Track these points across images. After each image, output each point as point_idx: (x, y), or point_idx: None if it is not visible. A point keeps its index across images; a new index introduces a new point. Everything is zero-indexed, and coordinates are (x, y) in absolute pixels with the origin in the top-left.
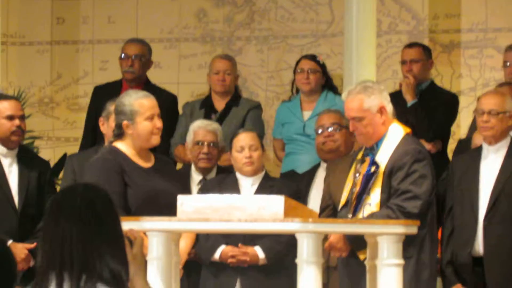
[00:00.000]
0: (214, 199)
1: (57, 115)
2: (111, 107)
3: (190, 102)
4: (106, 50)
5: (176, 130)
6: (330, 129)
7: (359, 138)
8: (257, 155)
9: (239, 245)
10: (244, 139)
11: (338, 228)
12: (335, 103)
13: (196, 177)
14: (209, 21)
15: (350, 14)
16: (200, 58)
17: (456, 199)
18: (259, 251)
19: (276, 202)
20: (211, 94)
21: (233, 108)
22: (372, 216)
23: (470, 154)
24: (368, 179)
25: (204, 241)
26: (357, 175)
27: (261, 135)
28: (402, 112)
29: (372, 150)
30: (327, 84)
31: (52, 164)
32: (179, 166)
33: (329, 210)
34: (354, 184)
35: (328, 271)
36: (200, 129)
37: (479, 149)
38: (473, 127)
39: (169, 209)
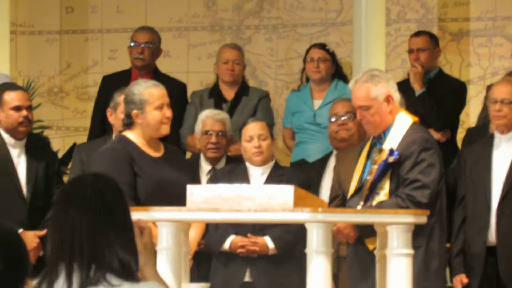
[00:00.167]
0: (224, 189)
1: (67, 104)
2: (118, 97)
3: (197, 91)
4: (115, 39)
5: (185, 120)
6: (343, 118)
7: (366, 127)
8: (266, 144)
9: (249, 235)
10: (253, 128)
11: (348, 217)
12: (345, 92)
13: (205, 167)
14: (218, 10)
15: (359, 2)
16: (209, 47)
17: (468, 188)
18: (268, 241)
19: (286, 191)
20: (219, 83)
21: (243, 97)
22: (381, 204)
23: (481, 143)
24: (386, 168)
25: (214, 231)
26: (374, 165)
27: (271, 125)
28: (410, 102)
29: (379, 139)
30: (337, 73)
31: (61, 154)
32: (188, 155)
33: (339, 199)
34: (369, 173)
35: (338, 261)
36: (208, 118)
37: (491, 138)
38: (482, 116)
39: (179, 199)
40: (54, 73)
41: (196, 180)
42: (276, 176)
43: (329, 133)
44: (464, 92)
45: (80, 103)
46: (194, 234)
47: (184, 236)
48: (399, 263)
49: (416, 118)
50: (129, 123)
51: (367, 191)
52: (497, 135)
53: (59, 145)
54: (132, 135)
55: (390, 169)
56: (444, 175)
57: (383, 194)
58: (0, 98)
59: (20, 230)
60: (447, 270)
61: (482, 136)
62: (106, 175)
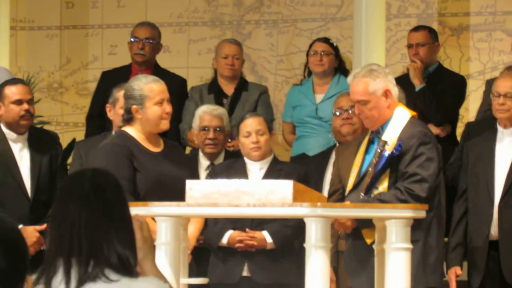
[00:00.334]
0: (223, 184)
1: (66, 100)
2: (117, 93)
3: (195, 87)
4: (115, 34)
5: (185, 116)
6: (349, 112)
7: (364, 121)
8: (264, 139)
9: (247, 229)
10: (250, 124)
11: (347, 212)
12: (348, 86)
13: (204, 162)
14: (218, 5)
15: None
16: (209, 42)
17: (471, 182)
18: (266, 236)
19: (285, 186)
20: (218, 78)
21: (243, 92)
22: (380, 195)
23: (484, 137)
24: (390, 161)
25: (212, 227)
26: (374, 159)
27: (271, 120)
28: (410, 97)
29: (377, 133)
30: (340, 67)
31: None
32: (187, 151)
33: (338, 194)
34: (370, 165)
35: (337, 255)
36: (205, 114)
37: (493, 132)
38: (481, 110)
39: (178, 194)
40: (54, 69)
41: (196, 175)
42: (275, 171)
43: (333, 127)
44: (464, 86)
45: (80, 98)
46: (193, 229)
47: (183, 231)
48: (397, 258)
49: (414, 113)
50: (129, 118)
51: (369, 183)
52: (500, 129)
53: None
54: (131, 131)
55: (391, 163)
56: (442, 169)
57: (382, 188)
58: (0, 92)
59: (20, 226)
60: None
61: (481, 131)
62: (106, 170)
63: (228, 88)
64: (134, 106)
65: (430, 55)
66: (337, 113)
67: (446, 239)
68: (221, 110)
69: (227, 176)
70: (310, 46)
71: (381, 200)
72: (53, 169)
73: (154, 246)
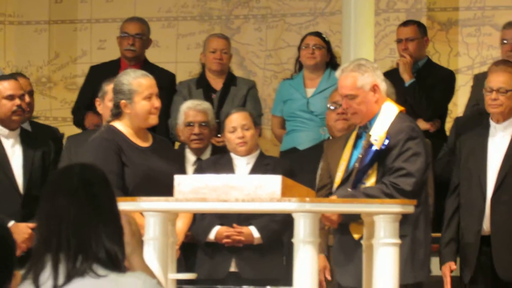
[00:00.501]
0: (211, 179)
1: (55, 94)
2: (106, 87)
3: (183, 81)
4: (104, 29)
5: (174, 111)
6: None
7: (352, 116)
8: (250, 134)
9: (234, 225)
10: (236, 119)
11: (335, 207)
12: None
13: (191, 158)
14: (207, 0)
15: None
16: (198, 37)
17: (463, 177)
18: (254, 231)
19: (274, 181)
20: (206, 73)
21: (231, 87)
22: (366, 189)
23: (477, 132)
24: (376, 155)
25: (199, 222)
26: (360, 154)
27: (259, 115)
28: (399, 92)
29: (365, 128)
30: (331, 62)
31: None
32: (176, 146)
33: (327, 189)
34: (357, 160)
35: (328, 250)
36: (190, 110)
37: (486, 127)
38: (470, 105)
39: (167, 189)
40: (43, 63)
41: (183, 170)
42: (261, 165)
43: (327, 121)
44: (453, 81)
45: (68, 93)
46: (182, 225)
47: (171, 226)
48: (386, 253)
49: (402, 108)
50: (117, 113)
51: (354, 177)
52: (493, 124)
53: None
54: (120, 125)
55: (378, 158)
56: (430, 165)
57: (369, 183)
58: None
59: (12, 222)
60: (437, 259)
61: (470, 126)
62: (94, 165)
63: (216, 83)
64: (123, 101)
65: (419, 50)
66: (332, 108)
67: (433, 234)
68: (206, 105)
69: (214, 172)
70: (302, 40)
71: (367, 194)
72: (46, 164)
73: (142, 241)
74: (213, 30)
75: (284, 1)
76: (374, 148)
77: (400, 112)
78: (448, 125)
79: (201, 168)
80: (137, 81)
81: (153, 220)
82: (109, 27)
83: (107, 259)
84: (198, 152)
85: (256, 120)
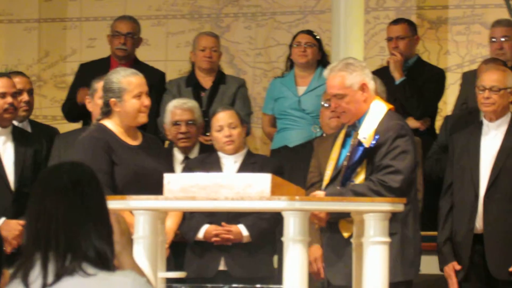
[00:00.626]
0: (201, 177)
1: (44, 93)
2: (96, 84)
3: (173, 80)
4: (94, 27)
5: (163, 109)
6: None
7: (341, 116)
8: (237, 132)
9: (223, 223)
10: (223, 118)
11: (325, 206)
12: None
13: (179, 156)
14: None
15: None
16: (188, 35)
17: (456, 175)
18: (242, 229)
19: (263, 180)
20: (195, 71)
21: (220, 85)
22: (353, 186)
23: (470, 130)
24: (364, 154)
25: (188, 221)
26: (348, 152)
27: (249, 113)
28: (390, 90)
29: (354, 127)
30: (323, 60)
31: None
32: (166, 144)
33: (317, 187)
34: (345, 159)
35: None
36: (176, 108)
37: (479, 125)
38: (459, 104)
39: (156, 187)
40: (32, 62)
41: (173, 169)
42: (249, 164)
43: (321, 118)
44: (443, 80)
45: (58, 91)
46: (171, 223)
47: (161, 225)
48: (376, 251)
49: (391, 106)
50: (107, 111)
51: (343, 176)
52: (486, 123)
53: None
54: (110, 124)
55: (367, 156)
56: (419, 163)
57: (358, 181)
58: None
59: (3, 219)
60: (427, 258)
61: (460, 124)
62: (83, 164)
63: (206, 81)
64: (113, 99)
65: (409, 48)
66: (326, 105)
67: (423, 233)
68: (192, 104)
69: (201, 170)
70: (294, 38)
71: (354, 191)
72: (38, 161)
73: (132, 240)
74: (203, 28)
75: (274, 0)
76: (363, 146)
77: (389, 110)
78: (438, 123)
79: (188, 167)
80: (127, 79)
81: (143, 219)
82: (99, 25)
83: (96, 257)
84: (186, 150)
85: (243, 118)
